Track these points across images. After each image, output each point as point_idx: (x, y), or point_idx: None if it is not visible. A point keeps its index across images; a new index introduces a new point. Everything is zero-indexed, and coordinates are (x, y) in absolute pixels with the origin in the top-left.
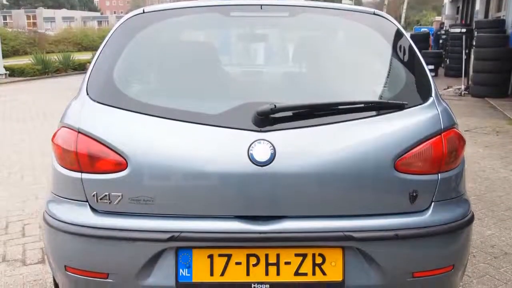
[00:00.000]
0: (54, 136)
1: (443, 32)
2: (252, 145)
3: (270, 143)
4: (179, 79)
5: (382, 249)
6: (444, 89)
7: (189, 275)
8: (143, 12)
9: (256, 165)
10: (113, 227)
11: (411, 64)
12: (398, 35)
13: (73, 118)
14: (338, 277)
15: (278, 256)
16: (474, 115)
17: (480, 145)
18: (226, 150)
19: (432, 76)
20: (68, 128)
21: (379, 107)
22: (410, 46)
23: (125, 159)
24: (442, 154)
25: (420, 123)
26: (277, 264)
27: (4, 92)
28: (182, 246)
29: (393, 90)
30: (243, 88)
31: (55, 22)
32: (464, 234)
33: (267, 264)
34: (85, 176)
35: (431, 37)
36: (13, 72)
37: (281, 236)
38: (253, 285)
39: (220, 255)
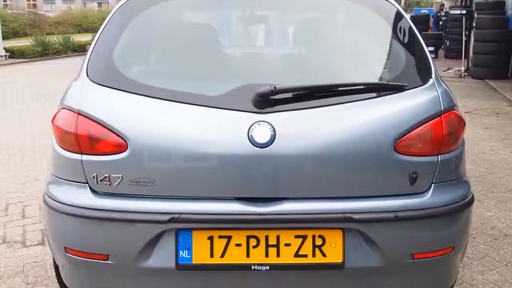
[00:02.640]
0: (54, 117)
1: (443, 13)
2: (252, 126)
3: (270, 124)
4: (179, 60)
5: (382, 231)
6: (444, 70)
7: (189, 256)
8: None
9: (256, 146)
10: (113, 208)
11: (411, 46)
12: (398, 16)
13: (73, 99)
14: (338, 259)
15: (278, 237)
16: (474, 97)
17: (480, 127)
18: (226, 131)
19: (432, 58)
20: (68, 109)
21: (379, 89)
22: (410, 28)
23: (125, 141)
24: (442, 135)
25: (420, 104)
26: (277, 245)
27: (4, 73)
28: (182, 228)
29: (393, 72)
30: (243, 69)
31: (55, 4)
32: (464, 216)
33: (267, 246)
34: (85, 157)
35: (431, 19)
36: (13, 54)
37: (281, 218)
38: (253, 267)
39: (220, 237)
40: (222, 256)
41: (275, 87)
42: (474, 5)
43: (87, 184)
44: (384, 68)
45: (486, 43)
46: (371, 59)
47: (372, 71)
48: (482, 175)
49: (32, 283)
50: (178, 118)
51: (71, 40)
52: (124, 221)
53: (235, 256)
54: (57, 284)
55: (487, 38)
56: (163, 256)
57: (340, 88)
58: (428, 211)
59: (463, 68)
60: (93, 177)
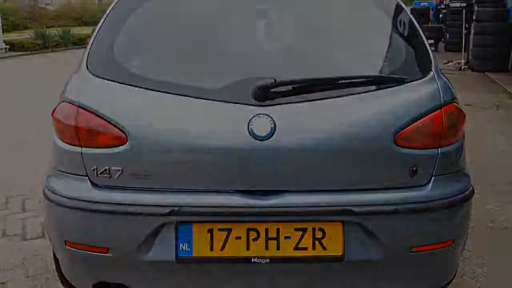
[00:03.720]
0: (54, 110)
1: (443, 6)
2: (252, 119)
3: (270, 117)
4: (179, 53)
5: (382, 224)
6: (444, 63)
7: (189, 249)
8: None
9: (256, 139)
10: (113, 201)
11: (411, 39)
12: (398, 9)
13: (73, 92)
14: (338, 252)
15: (278, 230)
16: (474, 90)
17: (480, 120)
18: (226, 124)
19: (432, 51)
20: (68, 102)
21: (379, 82)
22: (410, 21)
23: (125, 134)
24: (442, 128)
25: (420, 97)
26: (277, 238)
27: (4, 66)
28: (182, 221)
29: (393, 65)
30: (243, 62)
31: None
32: (464, 209)
33: (267, 239)
34: (85, 150)
35: (431, 12)
36: (13, 47)
37: (281, 211)
38: (253, 260)
39: (220, 230)
40: (222, 249)
41: (275, 79)
42: None
43: (87, 177)
44: (384, 61)
45: (486, 36)
46: (371, 52)
47: (372, 64)
48: (482, 168)
49: (32, 276)
50: (178, 111)
51: (71, 33)
52: (124, 214)
53: (235, 249)
54: (57, 277)
55: (487, 31)
56: (163, 249)
57: (339, 81)
58: (428, 204)
59: (463, 61)
60: (93, 170)
